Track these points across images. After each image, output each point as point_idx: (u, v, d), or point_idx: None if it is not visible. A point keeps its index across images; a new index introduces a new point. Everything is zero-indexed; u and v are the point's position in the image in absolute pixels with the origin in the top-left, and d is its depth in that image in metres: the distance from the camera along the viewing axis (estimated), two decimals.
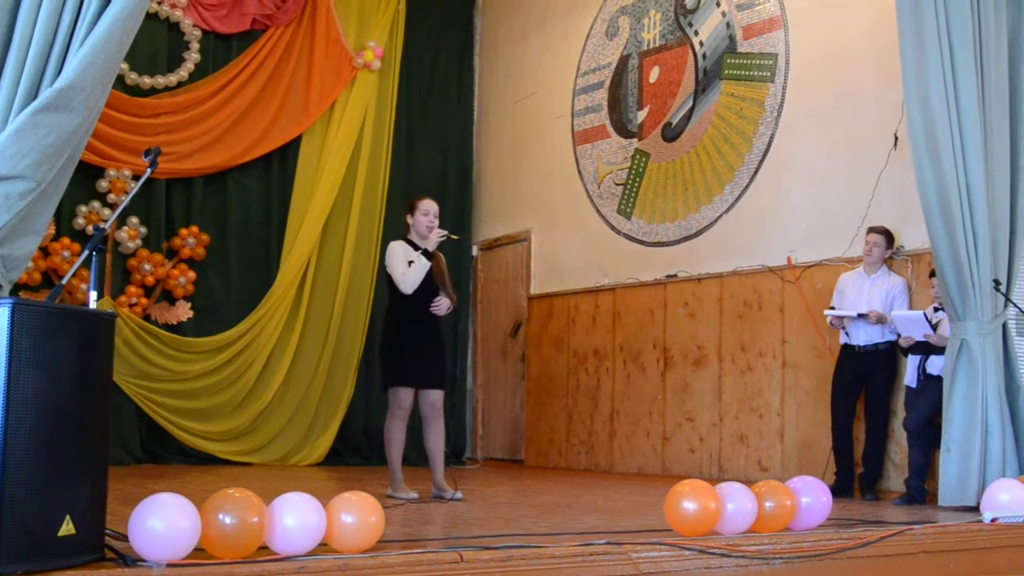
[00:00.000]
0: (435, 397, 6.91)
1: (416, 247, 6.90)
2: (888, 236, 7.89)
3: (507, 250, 11.98)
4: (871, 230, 7.92)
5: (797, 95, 8.96)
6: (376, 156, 11.42)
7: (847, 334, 7.86)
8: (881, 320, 7.66)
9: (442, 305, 6.90)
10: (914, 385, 7.47)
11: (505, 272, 11.99)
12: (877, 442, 7.81)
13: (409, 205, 7.09)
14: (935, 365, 7.29)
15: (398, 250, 6.90)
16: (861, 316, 7.70)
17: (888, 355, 7.81)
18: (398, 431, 6.87)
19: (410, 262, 6.82)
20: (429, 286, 6.87)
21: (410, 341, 6.86)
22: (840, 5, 8.68)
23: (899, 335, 7.57)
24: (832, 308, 7.97)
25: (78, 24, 3.91)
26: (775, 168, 9.07)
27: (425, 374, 6.89)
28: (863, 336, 7.81)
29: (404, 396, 6.82)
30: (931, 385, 7.26)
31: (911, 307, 7.78)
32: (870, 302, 7.77)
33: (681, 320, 9.76)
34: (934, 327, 7.27)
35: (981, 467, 6.48)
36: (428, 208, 6.95)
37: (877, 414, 7.84)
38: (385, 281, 7.06)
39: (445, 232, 6.90)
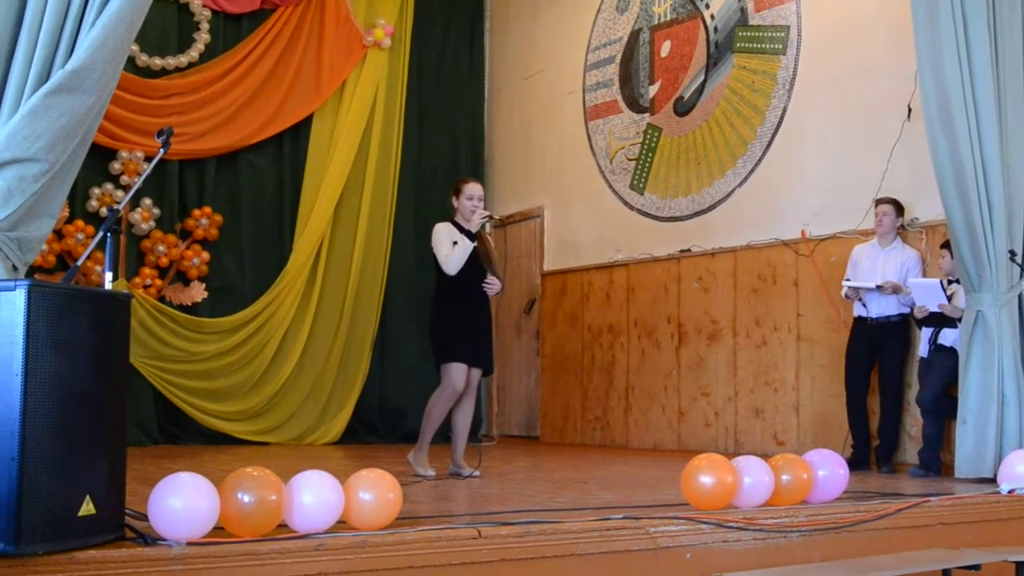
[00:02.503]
0: (474, 375, 6.95)
1: (462, 229, 6.94)
2: (897, 206, 7.87)
3: (520, 227, 11.96)
4: (879, 201, 7.91)
5: (809, 67, 8.91)
6: (387, 134, 11.40)
7: (864, 305, 7.83)
8: (897, 290, 7.63)
9: (494, 286, 6.95)
10: (925, 356, 7.47)
11: (518, 249, 11.98)
12: (892, 414, 7.80)
13: (455, 188, 7.11)
14: (947, 336, 7.29)
15: (443, 232, 6.94)
16: (879, 288, 7.68)
17: (901, 327, 7.79)
18: (442, 408, 6.89)
19: (455, 243, 6.86)
20: (476, 268, 6.92)
21: (462, 320, 6.89)
22: None
23: (912, 306, 7.55)
24: (848, 280, 7.95)
25: (88, 5, 3.91)
26: (788, 141, 9.03)
27: (475, 354, 6.91)
28: (876, 308, 7.78)
29: (459, 375, 6.79)
30: (942, 357, 7.26)
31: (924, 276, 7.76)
32: (884, 274, 7.75)
33: (695, 295, 9.74)
34: (948, 298, 7.24)
35: (998, 438, 6.47)
36: (472, 192, 6.99)
37: (891, 386, 7.82)
38: (432, 263, 7.02)
39: (487, 213, 7.02)
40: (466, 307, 6.91)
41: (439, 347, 6.93)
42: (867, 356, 7.89)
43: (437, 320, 6.99)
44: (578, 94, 11.26)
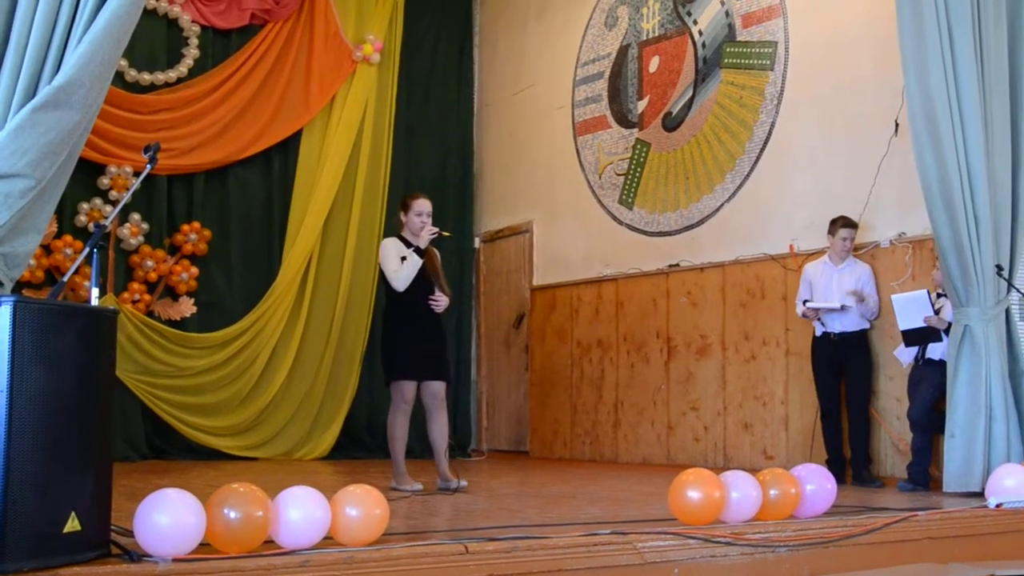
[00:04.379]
0: (436, 388, 6.95)
1: (410, 244, 6.94)
2: (856, 226, 8.02)
3: (509, 242, 11.97)
4: (845, 224, 7.96)
5: (797, 83, 8.94)
6: (377, 149, 11.40)
7: (822, 324, 7.94)
8: (861, 297, 7.73)
9: (441, 302, 6.95)
10: (908, 366, 7.50)
11: (507, 264, 11.99)
12: (862, 429, 7.83)
13: (403, 203, 7.14)
14: (935, 350, 7.30)
15: (390, 247, 6.97)
16: (843, 308, 7.77)
17: (863, 342, 7.94)
18: (401, 426, 6.92)
19: (404, 259, 6.86)
20: (424, 282, 6.92)
21: (409, 335, 6.91)
22: None
23: (870, 322, 7.79)
24: (806, 301, 8.00)
25: (75, 21, 3.91)
26: (776, 156, 9.06)
27: (425, 366, 6.93)
28: (839, 324, 7.89)
29: (407, 389, 6.87)
30: (931, 372, 7.27)
31: (879, 293, 7.89)
32: (841, 291, 7.84)
33: (684, 309, 9.75)
34: (936, 312, 7.26)
35: (985, 452, 6.48)
36: (421, 208, 7.00)
37: (858, 401, 7.88)
38: (381, 278, 7.08)
39: (436, 229, 6.98)
40: (413, 322, 6.93)
41: (386, 366, 7.00)
42: (834, 368, 8.00)
43: (387, 337, 7.05)
44: (567, 109, 11.28)
